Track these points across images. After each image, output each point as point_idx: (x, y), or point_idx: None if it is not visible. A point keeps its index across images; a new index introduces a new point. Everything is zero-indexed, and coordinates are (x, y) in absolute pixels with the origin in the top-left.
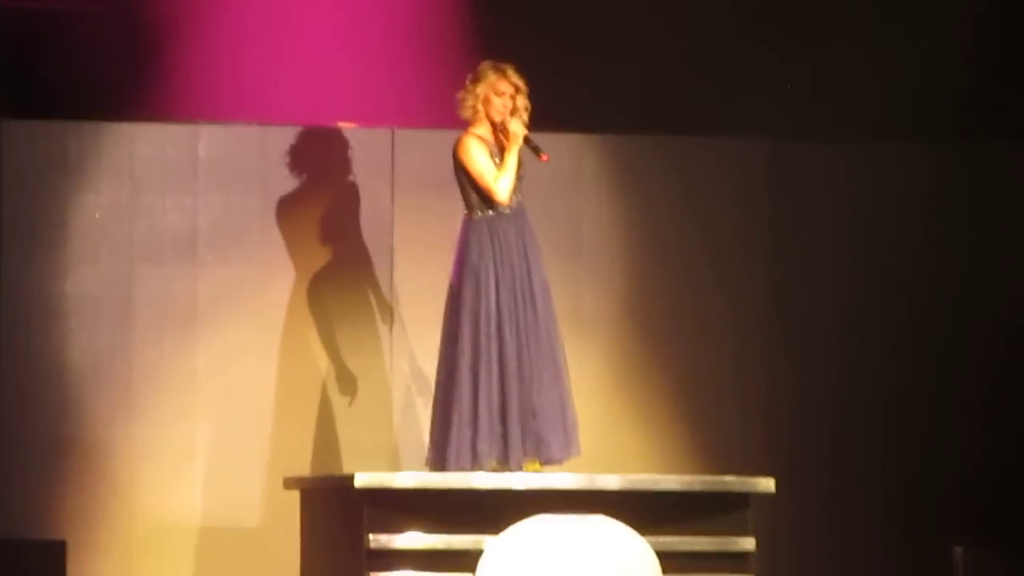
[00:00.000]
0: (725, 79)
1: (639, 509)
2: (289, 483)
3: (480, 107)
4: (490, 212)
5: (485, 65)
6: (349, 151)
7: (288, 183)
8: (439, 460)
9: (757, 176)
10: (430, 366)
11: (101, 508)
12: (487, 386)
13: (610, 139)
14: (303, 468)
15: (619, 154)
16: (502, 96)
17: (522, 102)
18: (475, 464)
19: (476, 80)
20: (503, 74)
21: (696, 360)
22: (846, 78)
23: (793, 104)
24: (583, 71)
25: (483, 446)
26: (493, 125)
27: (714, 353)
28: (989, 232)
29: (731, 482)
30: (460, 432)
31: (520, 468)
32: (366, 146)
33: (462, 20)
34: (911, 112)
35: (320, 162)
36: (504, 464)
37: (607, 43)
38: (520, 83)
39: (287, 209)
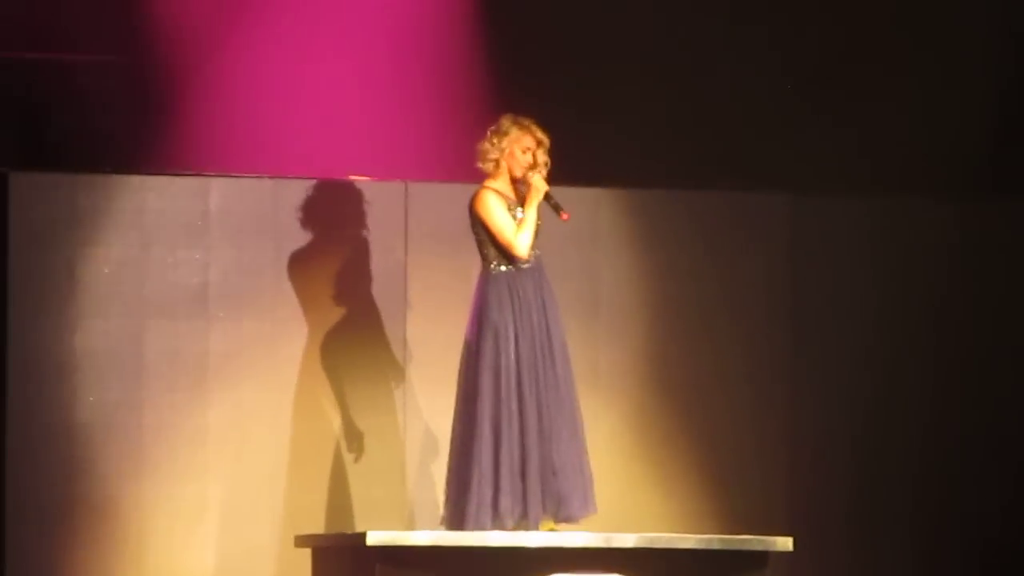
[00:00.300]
0: (747, 133)
1: (656, 568)
2: (301, 541)
3: (504, 161)
4: (509, 267)
5: (507, 119)
6: (362, 204)
7: (301, 237)
8: (457, 518)
9: (779, 231)
10: (444, 423)
11: (111, 566)
12: (508, 443)
13: (629, 193)
14: (315, 526)
15: (638, 209)
16: (526, 152)
17: (543, 157)
18: (496, 522)
19: (499, 134)
20: (527, 129)
21: (715, 418)
22: (871, 132)
23: (816, 158)
24: (602, 124)
25: (505, 504)
26: (513, 179)
27: (734, 410)
28: (1016, 288)
29: (749, 541)
30: (481, 490)
31: (539, 527)
32: (379, 199)
33: (477, 73)
34: (936, 167)
35: (333, 216)
36: (524, 522)
37: (626, 96)
38: (543, 137)
39: (300, 263)
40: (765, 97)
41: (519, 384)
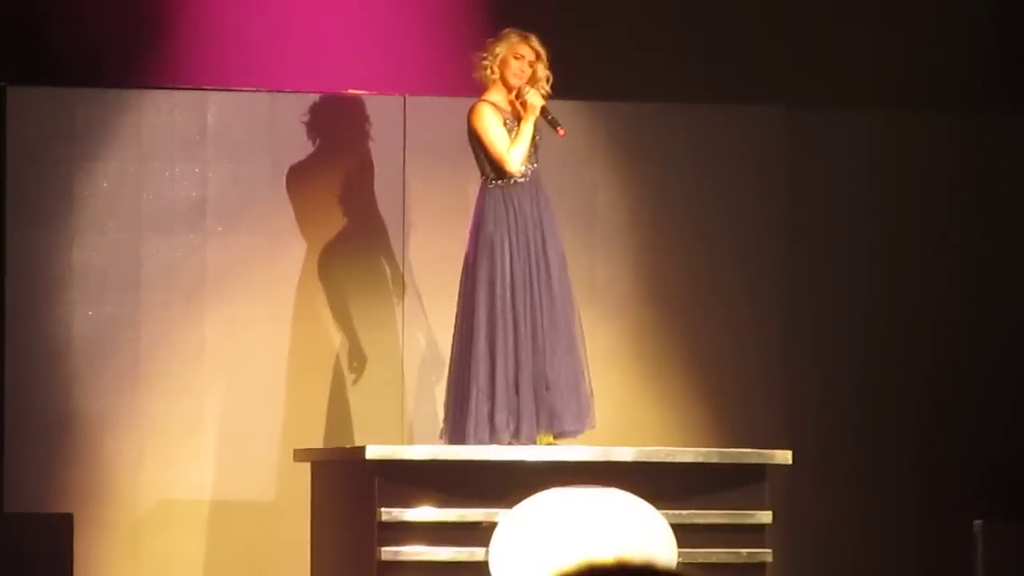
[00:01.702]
0: (741, 45)
1: (654, 482)
2: (299, 455)
3: (497, 68)
4: (505, 181)
5: (508, 30)
6: (360, 118)
7: (298, 151)
8: (458, 434)
9: (775, 144)
10: (444, 338)
11: (108, 482)
12: (503, 358)
13: (625, 107)
14: (314, 441)
15: (634, 122)
16: (520, 60)
17: (543, 71)
18: (493, 437)
19: (496, 41)
20: (525, 38)
21: (713, 332)
22: (866, 44)
23: (811, 71)
24: (598, 38)
25: (500, 419)
26: (509, 91)
27: (731, 325)
28: (1018, 203)
29: (747, 454)
30: (479, 405)
31: (533, 441)
32: (378, 114)
33: None
34: (933, 79)
35: (331, 130)
36: (517, 438)
37: (622, 10)
38: (541, 50)
39: (297, 178)
40: (760, 9)
41: (513, 298)
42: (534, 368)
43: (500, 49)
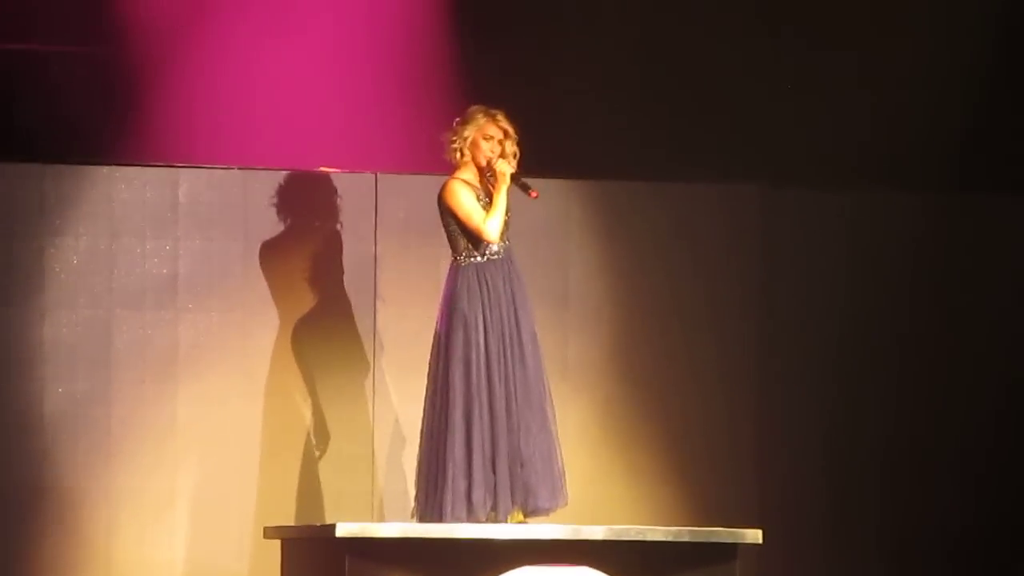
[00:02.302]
0: (717, 124)
1: (625, 560)
2: (270, 532)
3: (467, 150)
4: (478, 258)
5: (474, 109)
6: (332, 196)
7: (270, 228)
8: (434, 511)
9: (749, 223)
10: (414, 414)
11: (79, 558)
12: (480, 435)
13: (599, 185)
14: (285, 517)
15: (608, 200)
16: (490, 140)
17: (511, 148)
18: (471, 515)
19: (464, 123)
20: (492, 118)
21: (685, 410)
22: (842, 124)
23: (787, 151)
24: (571, 116)
25: (477, 496)
26: (479, 170)
27: (704, 402)
28: (986, 282)
29: (718, 533)
30: (455, 482)
31: (508, 519)
32: (349, 191)
33: (447, 65)
34: (907, 160)
35: (303, 207)
36: (494, 514)
37: (596, 88)
38: (509, 128)
39: (269, 254)
40: (736, 88)
41: (488, 375)
42: (509, 445)
43: (468, 132)
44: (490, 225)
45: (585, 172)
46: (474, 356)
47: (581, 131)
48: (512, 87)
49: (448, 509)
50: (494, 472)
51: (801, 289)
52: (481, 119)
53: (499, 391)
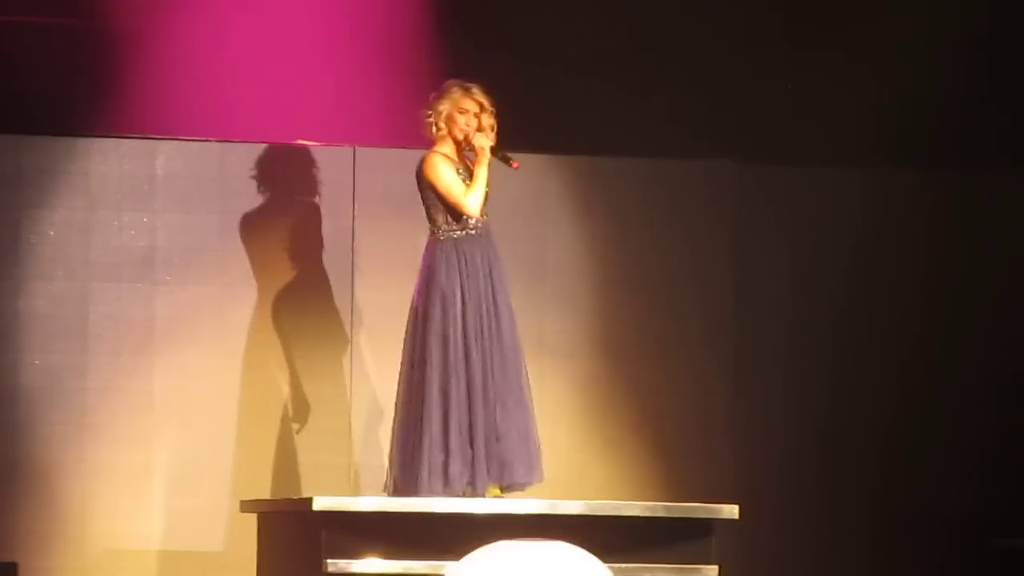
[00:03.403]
0: (696, 100)
1: (601, 535)
2: (246, 506)
3: (443, 125)
4: (457, 232)
5: (450, 83)
6: (310, 169)
7: (248, 201)
8: (410, 484)
9: (726, 199)
10: (391, 388)
11: (54, 530)
12: (457, 409)
13: (577, 160)
14: (261, 491)
15: (586, 175)
16: (465, 114)
17: (488, 121)
18: (447, 488)
19: (440, 97)
20: (468, 92)
21: (662, 385)
22: (818, 100)
23: (763, 126)
24: (549, 91)
25: (454, 469)
26: (457, 144)
27: (680, 378)
28: (960, 257)
29: (695, 508)
30: (432, 456)
31: (485, 493)
32: (327, 165)
33: (426, 39)
34: (884, 136)
35: (280, 180)
36: (471, 488)
37: (574, 63)
38: (485, 101)
39: (247, 228)
40: (713, 64)
41: (466, 350)
42: (486, 419)
43: (444, 106)
44: (471, 199)
45: (564, 147)
46: (452, 330)
47: (560, 106)
48: (491, 61)
49: (424, 482)
50: (471, 446)
51: (780, 264)
52: (456, 93)
53: (476, 366)
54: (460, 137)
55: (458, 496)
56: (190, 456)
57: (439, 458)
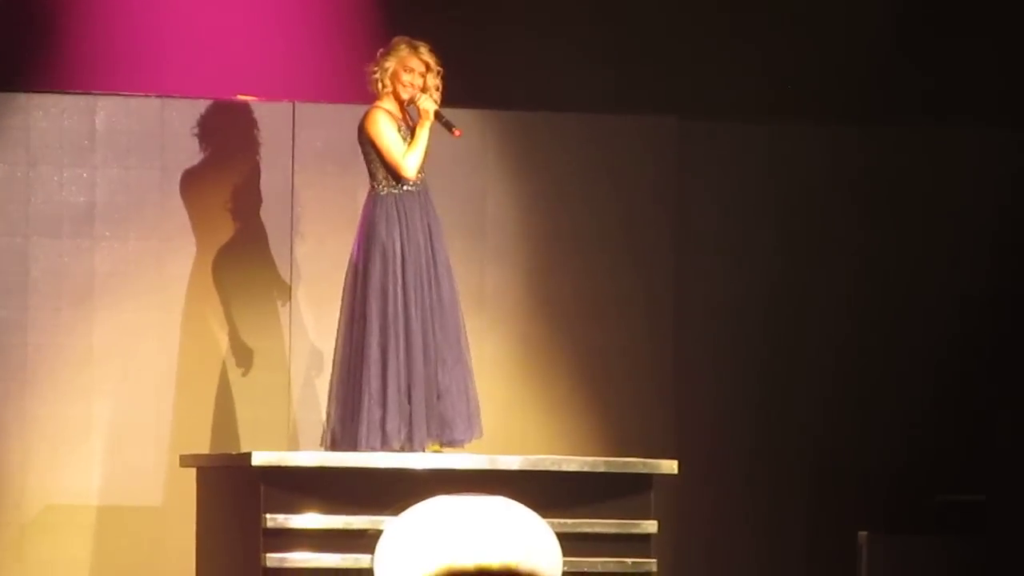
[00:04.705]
0: (633, 56)
1: (541, 490)
2: (186, 461)
3: (388, 82)
4: (396, 188)
5: (398, 40)
6: (249, 124)
7: (188, 157)
8: (348, 440)
9: (665, 155)
10: (330, 344)
11: None
12: (395, 365)
13: (515, 116)
14: (200, 446)
15: (524, 131)
16: (411, 73)
17: (433, 81)
18: (385, 444)
19: (387, 54)
20: (415, 50)
21: (602, 342)
22: (757, 56)
23: (702, 82)
24: (489, 46)
25: (392, 426)
26: (400, 102)
27: (620, 335)
28: (900, 213)
29: (633, 463)
30: (370, 412)
31: (424, 449)
32: (267, 120)
33: None
34: (822, 91)
35: (220, 136)
36: (409, 445)
37: (514, 17)
38: (432, 61)
39: (186, 183)
40: (652, 20)
41: (406, 306)
42: (425, 376)
43: (390, 63)
44: (409, 160)
45: (504, 102)
46: (391, 286)
47: (500, 61)
48: (431, 16)
49: (363, 439)
50: (409, 402)
51: (720, 220)
52: (404, 51)
53: (416, 322)
54: (405, 96)
55: (396, 452)
56: (130, 411)
57: (377, 414)
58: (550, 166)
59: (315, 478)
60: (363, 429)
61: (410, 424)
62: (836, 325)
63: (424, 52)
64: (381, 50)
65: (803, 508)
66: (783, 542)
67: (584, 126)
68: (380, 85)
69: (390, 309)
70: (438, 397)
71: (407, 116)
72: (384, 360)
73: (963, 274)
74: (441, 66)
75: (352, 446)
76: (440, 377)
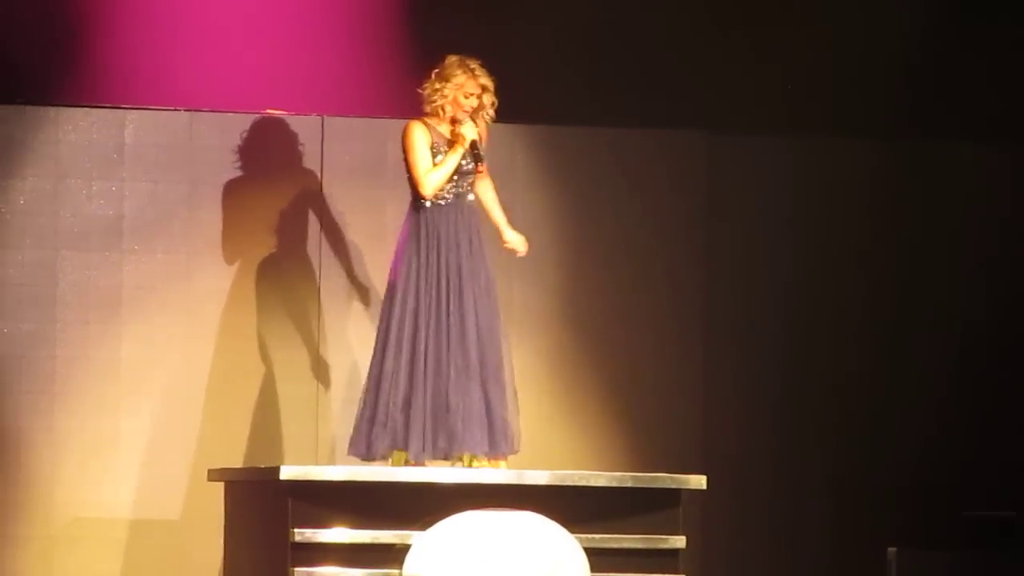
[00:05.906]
0: (664, 70)
1: (568, 506)
2: (213, 475)
3: (448, 107)
4: (427, 202)
5: (452, 62)
6: (278, 138)
7: (216, 171)
8: (350, 448)
9: (694, 169)
10: (359, 357)
11: (22, 498)
12: (391, 377)
13: (544, 130)
14: (228, 460)
15: (553, 145)
16: (469, 98)
17: (488, 99)
18: (368, 454)
19: (444, 79)
20: (472, 74)
21: (631, 356)
22: (788, 71)
23: (732, 97)
24: (518, 61)
25: (376, 437)
26: (452, 122)
27: (649, 349)
28: (930, 229)
29: (662, 479)
30: (361, 423)
31: (421, 462)
32: (296, 134)
33: (394, 7)
34: (853, 108)
35: (249, 150)
36: (398, 455)
37: (543, 32)
38: (488, 82)
39: (214, 197)
40: (682, 34)
41: (415, 319)
42: (434, 389)
43: (450, 90)
44: (430, 178)
45: (531, 117)
46: (407, 300)
47: (528, 75)
48: (460, 30)
49: (351, 447)
50: (405, 414)
51: (748, 234)
52: (460, 76)
53: (422, 335)
54: (461, 117)
55: (378, 463)
56: (157, 424)
57: (365, 426)
58: (578, 180)
59: (343, 492)
60: (352, 437)
61: (406, 436)
62: (865, 338)
63: (481, 75)
64: (436, 71)
65: (831, 523)
66: (810, 557)
67: (612, 140)
68: (441, 112)
69: (395, 322)
70: (447, 411)
71: (455, 133)
72: (380, 371)
73: (998, 286)
74: (494, 83)
75: (364, 452)
76: (451, 392)
